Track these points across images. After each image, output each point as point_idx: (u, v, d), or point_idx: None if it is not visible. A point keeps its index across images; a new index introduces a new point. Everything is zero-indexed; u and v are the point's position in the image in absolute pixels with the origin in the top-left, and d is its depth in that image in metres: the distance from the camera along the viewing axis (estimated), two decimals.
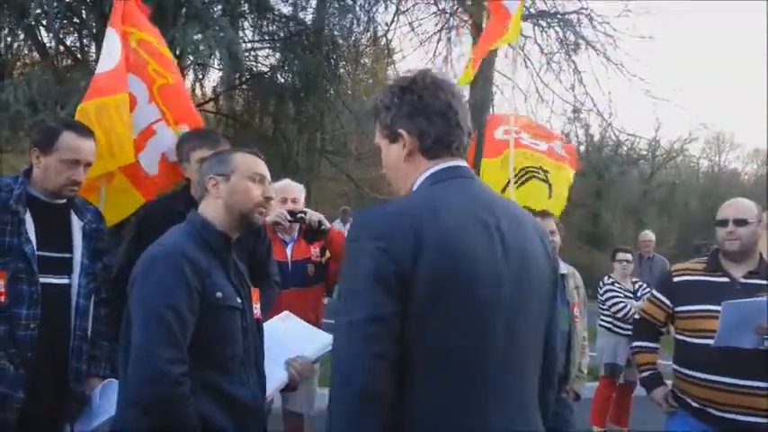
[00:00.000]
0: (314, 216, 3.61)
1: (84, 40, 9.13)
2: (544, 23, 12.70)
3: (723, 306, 2.68)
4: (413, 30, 12.86)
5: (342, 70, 11.59)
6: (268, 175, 2.26)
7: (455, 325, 1.40)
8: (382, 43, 13.04)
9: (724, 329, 2.69)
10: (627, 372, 5.85)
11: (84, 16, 8.60)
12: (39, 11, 7.13)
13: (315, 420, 3.69)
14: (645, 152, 26.71)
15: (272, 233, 3.47)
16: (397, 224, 1.40)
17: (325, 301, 4.21)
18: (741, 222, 2.92)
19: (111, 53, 3.17)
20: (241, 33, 9.83)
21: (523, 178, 4.82)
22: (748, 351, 2.68)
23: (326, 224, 3.66)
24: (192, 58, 8.04)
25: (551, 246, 1.69)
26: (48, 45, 8.71)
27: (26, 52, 8.99)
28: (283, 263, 3.53)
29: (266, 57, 11.38)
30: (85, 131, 2.68)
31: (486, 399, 1.43)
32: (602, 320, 6.07)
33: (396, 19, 12.27)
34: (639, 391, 5.45)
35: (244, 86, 11.36)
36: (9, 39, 8.18)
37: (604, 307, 6.01)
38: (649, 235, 8.76)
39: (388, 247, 1.37)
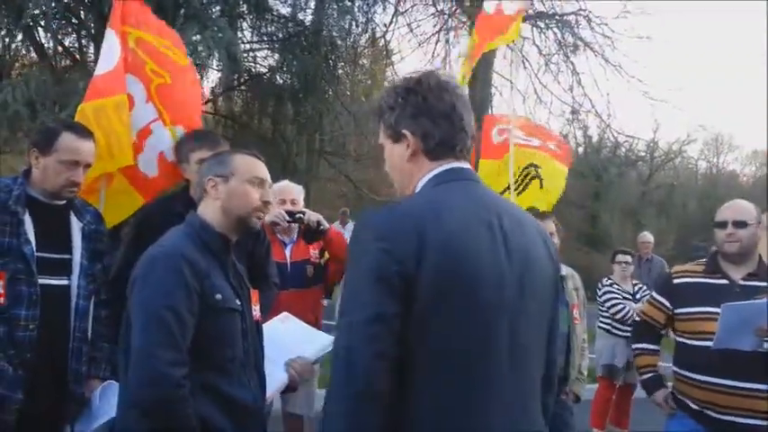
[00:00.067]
0: (312, 216, 3.61)
1: (83, 41, 9.15)
2: (542, 25, 12.74)
3: (722, 308, 2.68)
4: (411, 31, 12.90)
5: (340, 71, 11.62)
6: (268, 178, 2.24)
7: (458, 326, 1.40)
8: (381, 44, 13.08)
9: (723, 332, 2.69)
10: (626, 374, 5.85)
11: (82, 17, 8.61)
12: (37, 11, 7.13)
13: (315, 422, 3.68)
14: (643, 153, 26.74)
15: (271, 234, 3.47)
16: (400, 226, 1.40)
17: (325, 302, 4.21)
18: (740, 224, 2.92)
19: (109, 54, 3.16)
20: (240, 34, 9.85)
21: (524, 183, 4.82)
22: (748, 353, 2.68)
23: (325, 224, 3.67)
24: (190, 58, 8.03)
25: (554, 247, 1.69)
26: (46, 45, 8.72)
27: (24, 53, 9.01)
28: (282, 264, 3.53)
29: (265, 58, 11.41)
30: (85, 132, 2.67)
31: (489, 400, 1.43)
32: (601, 322, 6.08)
33: (394, 20, 12.31)
34: (639, 392, 5.45)
35: (242, 87, 11.38)
36: (7, 39, 8.18)
37: (603, 308, 6.02)
38: (648, 236, 8.77)
39: (390, 248, 1.37)
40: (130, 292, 1.99)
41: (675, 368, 3.01)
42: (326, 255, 3.78)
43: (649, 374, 3.16)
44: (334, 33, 10.33)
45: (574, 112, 14.04)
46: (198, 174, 2.31)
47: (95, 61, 4.69)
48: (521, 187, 4.75)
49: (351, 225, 12.52)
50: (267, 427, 2.32)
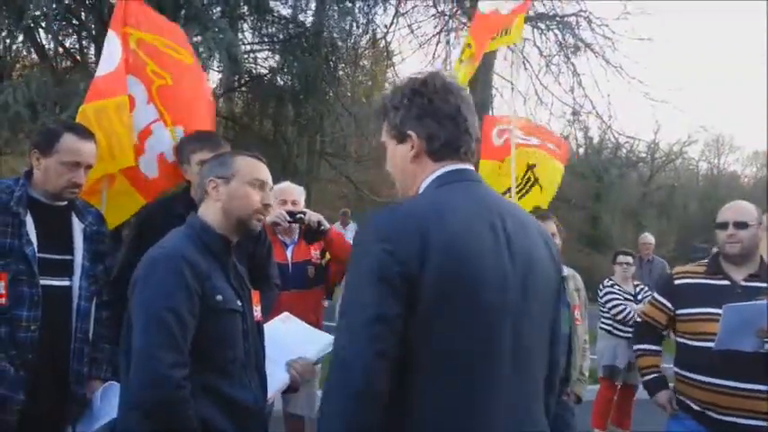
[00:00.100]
0: (313, 216, 3.61)
1: (84, 42, 9.16)
2: (543, 26, 12.75)
3: (724, 309, 2.68)
4: (412, 32, 12.91)
5: (341, 72, 11.63)
6: (270, 180, 2.24)
7: (461, 328, 1.40)
8: (381, 45, 13.08)
9: (725, 333, 2.69)
10: (627, 374, 5.85)
11: (83, 18, 8.62)
12: (38, 13, 7.13)
13: (316, 423, 3.68)
14: (644, 155, 26.73)
15: (272, 235, 3.47)
16: (404, 227, 1.41)
17: (325, 303, 4.21)
18: (741, 225, 2.92)
19: (110, 55, 3.16)
20: (240, 35, 9.86)
21: (525, 188, 4.82)
22: (749, 354, 2.68)
23: (326, 224, 3.67)
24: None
25: (556, 248, 1.69)
26: (47, 47, 8.72)
27: (25, 54, 9.01)
28: (284, 265, 3.53)
29: (266, 59, 11.43)
30: (86, 133, 2.67)
31: (492, 401, 1.43)
32: (603, 323, 6.08)
33: (395, 21, 12.32)
34: (641, 393, 5.45)
35: (243, 89, 11.38)
36: (8, 40, 8.19)
37: (604, 309, 6.01)
38: (648, 237, 8.76)
39: (393, 249, 1.37)
40: (131, 294, 1.99)
41: (676, 369, 3.01)
42: (327, 255, 3.79)
43: (653, 375, 3.15)
44: (335, 34, 10.33)
45: (575, 113, 14.05)
46: (199, 175, 2.31)
47: (96, 62, 4.70)
48: (522, 191, 4.76)
49: (352, 226, 12.53)
50: (268, 427, 2.31)
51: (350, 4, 10.16)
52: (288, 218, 3.55)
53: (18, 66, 9.02)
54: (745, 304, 2.72)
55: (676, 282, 3.09)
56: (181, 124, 3.21)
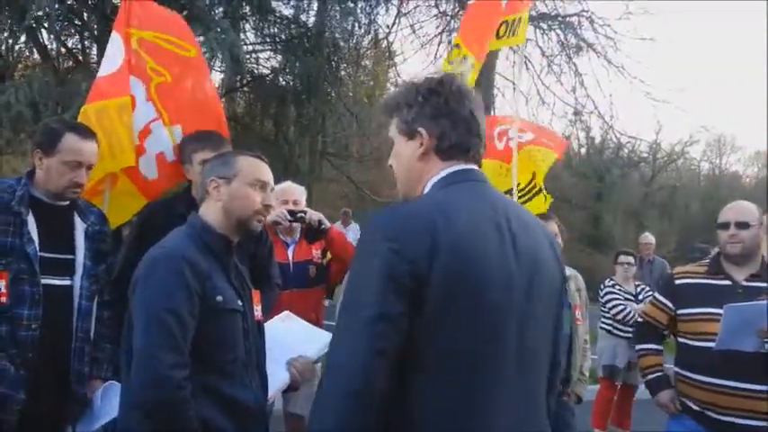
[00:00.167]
0: (314, 215, 3.61)
1: (86, 42, 9.17)
2: (545, 26, 12.74)
3: (725, 309, 2.68)
4: (414, 32, 12.91)
5: (343, 72, 11.63)
6: (271, 180, 2.24)
7: (466, 328, 1.40)
8: (383, 46, 13.08)
9: (725, 333, 2.69)
10: (627, 374, 5.85)
11: (85, 18, 8.63)
12: (40, 13, 7.14)
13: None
14: (646, 155, 26.70)
15: (273, 235, 3.48)
16: (411, 226, 1.40)
17: (326, 303, 4.22)
18: (743, 225, 2.92)
19: (113, 56, 3.16)
20: (243, 36, 9.86)
21: (528, 195, 4.82)
22: (749, 354, 2.68)
23: (326, 223, 3.67)
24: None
25: (559, 249, 1.70)
26: (49, 47, 8.74)
27: (27, 54, 9.03)
28: (285, 264, 3.53)
29: (267, 59, 11.43)
30: (88, 133, 2.68)
31: (494, 402, 1.43)
32: (603, 323, 6.07)
33: (397, 21, 12.32)
34: (641, 393, 5.45)
35: (245, 89, 11.39)
36: (10, 41, 8.20)
37: (605, 309, 6.01)
38: (649, 237, 8.76)
39: (400, 248, 1.37)
40: (132, 294, 1.99)
41: (677, 369, 3.01)
42: (329, 255, 3.79)
43: (656, 374, 3.14)
44: (337, 35, 10.34)
45: (576, 113, 14.04)
46: (201, 174, 2.31)
47: (98, 62, 4.70)
48: (525, 198, 4.75)
49: (353, 225, 12.53)
50: (269, 427, 2.31)
51: (352, 5, 10.16)
52: (289, 217, 3.55)
53: (20, 66, 9.03)
54: (745, 304, 2.72)
55: (677, 282, 3.09)
56: (180, 123, 3.19)
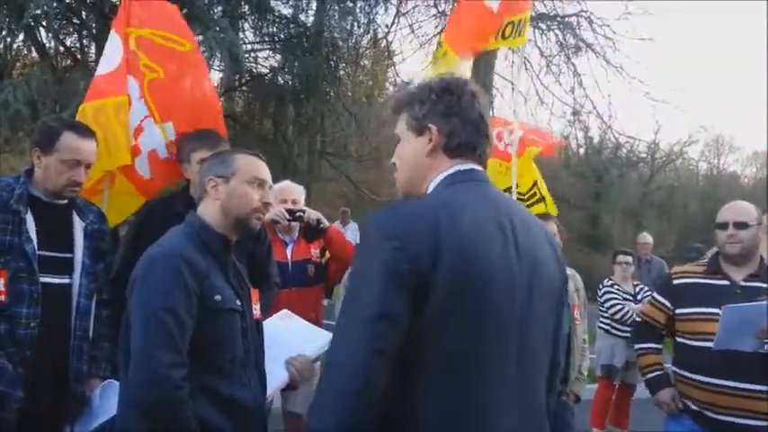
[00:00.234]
0: (312, 214, 3.62)
1: (84, 41, 9.15)
2: (544, 26, 12.73)
3: (723, 310, 2.68)
4: (413, 32, 12.89)
5: (342, 72, 11.61)
6: (269, 179, 2.24)
7: (469, 328, 1.40)
8: (382, 45, 13.07)
9: (724, 333, 2.68)
10: (626, 374, 5.86)
11: (84, 17, 8.61)
12: (38, 11, 7.13)
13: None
14: (644, 155, 26.72)
15: (272, 234, 3.47)
16: (414, 225, 1.40)
17: (325, 302, 4.21)
18: (741, 225, 2.92)
19: (112, 55, 3.16)
20: (241, 35, 9.85)
21: (529, 201, 4.83)
22: (748, 354, 2.68)
23: (325, 222, 3.67)
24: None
25: (560, 250, 1.70)
26: (47, 45, 8.72)
27: (26, 52, 9.01)
28: (283, 263, 3.53)
29: (266, 58, 11.42)
30: (86, 132, 2.67)
31: (496, 401, 1.44)
32: (601, 322, 6.08)
33: (396, 21, 12.30)
34: (639, 393, 5.46)
35: (244, 88, 11.37)
36: (8, 39, 8.19)
37: (603, 309, 6.02)
38: (647, 237, 8.77)
39: (403, 246, 1.36)
40: (130, 293, 1.99)
41: (675, 368, 3.01)
42: (327, 254, 3.79)
43: (656, 373, 3.13)
44: (336, 34, 10.33)
45: (575, 113, 14.03)
46: (198, 173, 2.30)
47: (96, 61, 4.70)
48: (526, 205, 4.76)
49: (352, 225, 12.52)
50: (267, 426, 2.31)
51: (351, 4, 10.15)
52: (287, 216, 3.55)
53: (18, 64, 9.02)
54: (744, 305, 2.71)
55: (675, 281, 3.09)
56: (171, 120, 3.16)
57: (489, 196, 1.56)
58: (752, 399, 2.69)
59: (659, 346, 3.21)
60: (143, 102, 3.14)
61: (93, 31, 8.41)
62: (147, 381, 1.85)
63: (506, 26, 4.30)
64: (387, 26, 12.57)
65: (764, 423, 2.67)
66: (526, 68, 12.66)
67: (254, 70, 11.13)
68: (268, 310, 2.74)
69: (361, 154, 15.63)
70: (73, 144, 2.59)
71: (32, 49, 8.71)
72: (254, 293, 2.27)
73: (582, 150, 25.34)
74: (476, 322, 1.40)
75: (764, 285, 2.84)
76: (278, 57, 10.89)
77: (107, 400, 2.55)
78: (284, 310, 2.83)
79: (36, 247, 2.48)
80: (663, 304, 3.11)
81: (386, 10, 11.92)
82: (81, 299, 2.59)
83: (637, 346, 3.29)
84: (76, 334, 2.58)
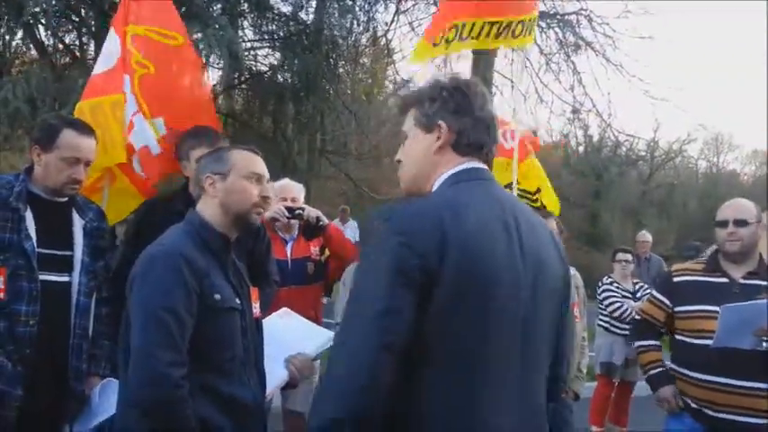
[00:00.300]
0: (312, 212, 3.62)
1: (83, 38, 9.14)
2: (543, 24, 12.69)
3: (722, 310, 2.67)
4: (413, 29, 12.83)
5: (341, 70, 11.58)
6: (266, 173, 2.23)
7: (474, 327, 1.40)
8: (382, 43, 13.03)
9: (723, 332, 2.68)
10: (625, 372, 5.86)
11: (82, 14, 8.59)
12: (37, 9, 7.11)
13: None
14: (644, 153, 26.71)
15: (271, 232, 3.47)
16: (420, 223, 1.40)
17: (324, 300, 4.21)
18: (741, 223, 2.92)
19: (110, 54, 3.16)
20: (241, 33, 9.83)
21: (529, 203, 4.82)
22: (747, 352, 2.68)
23: (324, 220, 3.67)
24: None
25: (563, 249, 1.70)
26: (46, 43, 8.70)
27: (25, 50, 8.99)
28: (283, 261, 3.53)
29: (266, 56, 11.38)
30: (86, 129, 2.67)
31: (500, 400, 1.44)
32: (600, 320, 6.08)
33: (395, 19, 12.25)
34: (638, 390, 5.46)
35: (243, 86, 11.34)
36: (7, 36, 8.17)
37: (602, 307, 6.02)
38: (646, 235, 8.77)
39: (410, 242, 1.37)
40: (129, 291, 1.99)
41: (674, 366, 3.02)
42: (327, 252, 3.79)
43: (657, 370, 3.12)
44: (336, 32, 10.30)
45: (575, 111, 14.00)
46: (196, 171, 2.30)
47: (95, 59, 4.69)
48: (531, 203, 4.75)
49: (351, 223, 12.51)
50: (267, 424, 2.31)
51: (350, 2, 10.13)
52: (287, 214, 3.55)
53: (17, 62, 9.00)
54: (743, 304, 2.71)
55: (675, 279, 3.09)
56: (162, 115, 3.16)
57: (494, 195, 1.56)
58: (751, 396, 2.69)
59: (659, 343, 3.21)
60: (133, 97, 3.14)
61: (92, 28, 8.39)
62: (146, 379, 1.85)
63: (517, 24, 4.27)
64: (386, 24, 12.53)
65: (765, 421, 2.67)
66: (526, 66, 12.63)
67: (254, 68, 11.10)
68: (267, 309, 2.74)
69: (360, 152, 15.58)
70: (73, 141, 2.59)
71: (31, 46, 8.68)
72: (254, 292, 2.27)
73: (581, 148, 25.37)
74: (480, 321, 1.40)
75: (764, 283, 2.84)
76: (277, 54, 10.87)
77: (106, 398, 2.54)
78: (284, 308, 2.83)
79: (35, 245, 2.47)
80: (662, 302, 3.11)
81: (385, 8, 11.89)
82: (80, 297, 2.59)
83: (637, 344, 3.29)
84: (76, 332, 2.57)
